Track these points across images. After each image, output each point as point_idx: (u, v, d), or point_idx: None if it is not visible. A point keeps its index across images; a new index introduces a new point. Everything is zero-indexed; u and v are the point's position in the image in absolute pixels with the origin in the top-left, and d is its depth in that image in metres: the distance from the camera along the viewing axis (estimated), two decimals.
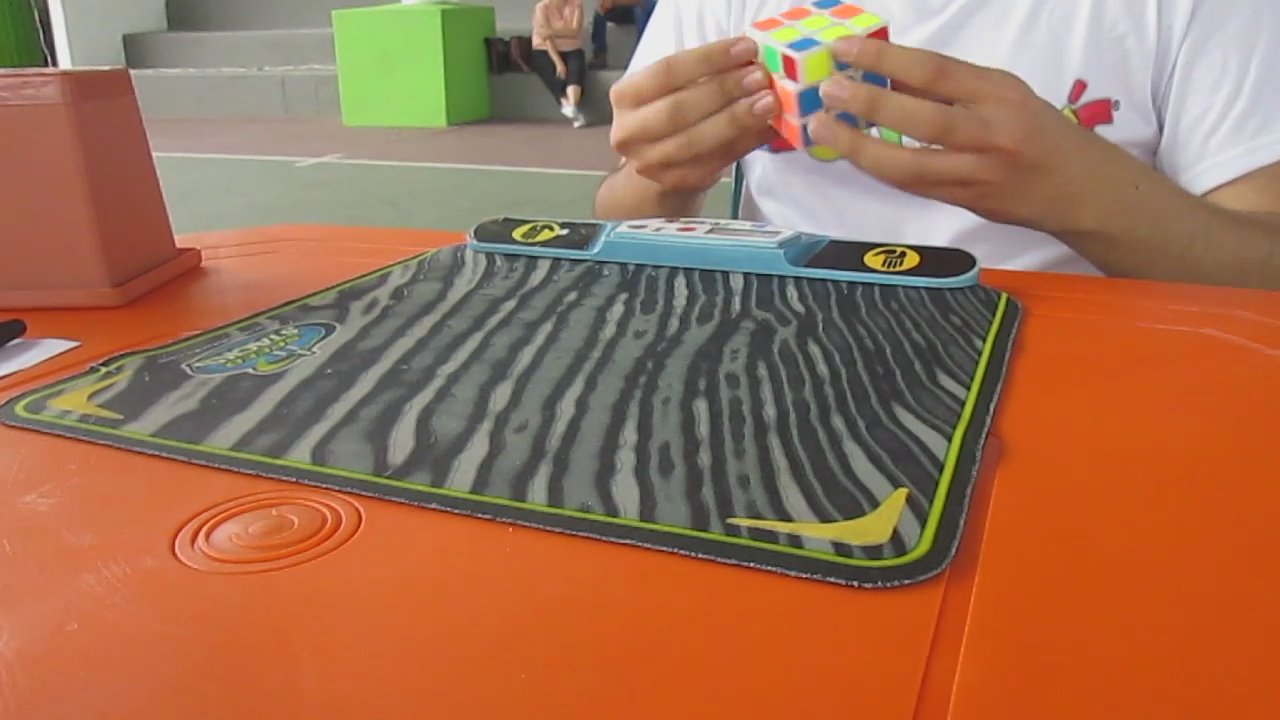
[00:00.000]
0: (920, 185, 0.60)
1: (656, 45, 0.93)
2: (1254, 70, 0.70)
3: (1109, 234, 0.62)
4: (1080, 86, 0.74)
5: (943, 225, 0.80)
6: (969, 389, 0.42)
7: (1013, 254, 0.79)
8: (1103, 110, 0.74)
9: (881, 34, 0.59)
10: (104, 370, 0.45)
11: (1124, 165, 0.62)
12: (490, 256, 0.66)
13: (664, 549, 0.30)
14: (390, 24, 8.38)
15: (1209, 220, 0.64)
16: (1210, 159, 0.71)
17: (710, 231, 0.63)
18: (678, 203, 0.78)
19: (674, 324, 0.51)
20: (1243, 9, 0.71)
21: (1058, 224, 0.62)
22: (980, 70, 0.57)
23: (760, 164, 0.89)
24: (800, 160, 0.84)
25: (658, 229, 0.63)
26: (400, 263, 0.64)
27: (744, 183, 0.95)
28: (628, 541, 0.30)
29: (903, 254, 0.59)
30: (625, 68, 0.95)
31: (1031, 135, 0.57)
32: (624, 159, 0.89)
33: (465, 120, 8.40)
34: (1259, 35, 0.70)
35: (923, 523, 0.31)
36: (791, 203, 0.88)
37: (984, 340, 0.48)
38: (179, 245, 0.66)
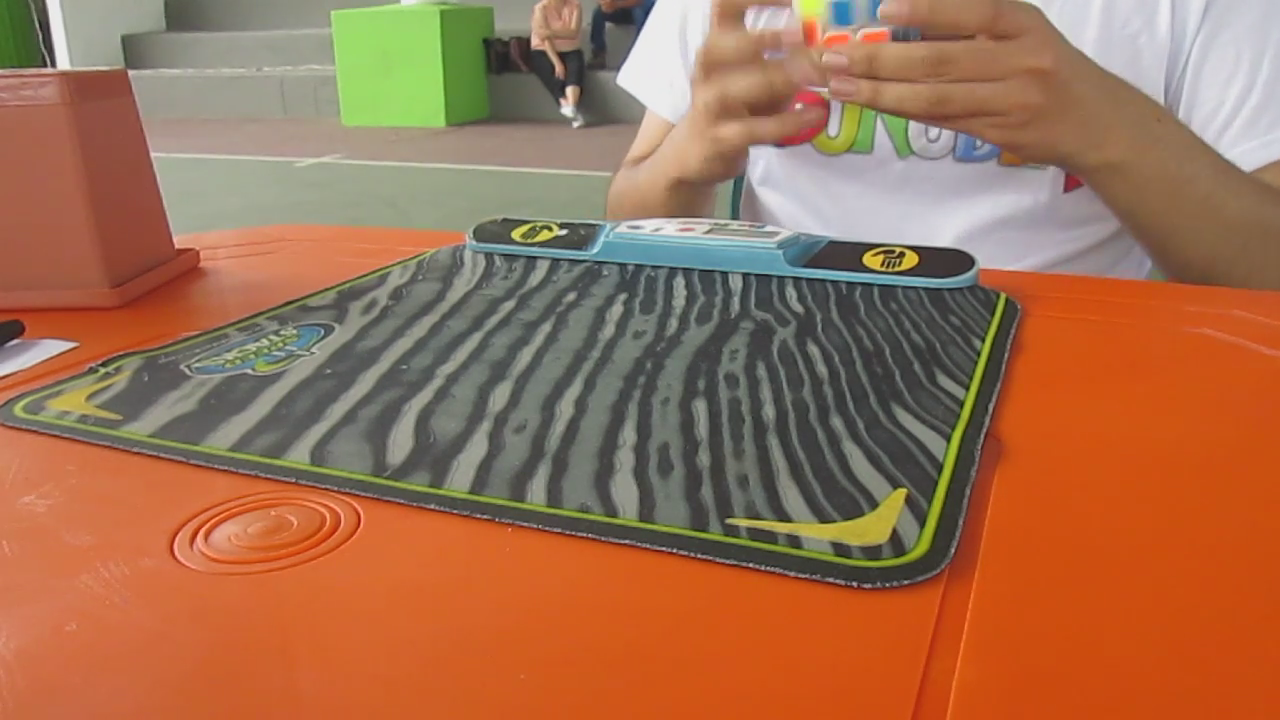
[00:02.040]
0: (945, 115, 0.59)
1: (658, 41, 0.93)
2: (1266, 65, 0.70)
3: (1138, 167, 0.61)
4: None
5: (947, 224, 0.80)
6: (968, 389, 0.42)
7: (1016, 256, 0.79)
8: None
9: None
10: (103, 371, 0.45)
11: (1143, 99, 0.63)
12: (489, 257, 0.66)
13: (663, 549, 0.30)
14: (389, 24, 8.38)
15: (1228, 169, 0.65)
16: (1224, 154, 0.71)
17: (709, 232, 0.63)
18: (685, 197, 0.77)
19: (673, 324, 0.51)
20: (1255, 5, 0.71)
21: (1094, 153, 0.61)
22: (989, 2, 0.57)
23: (765, 157, 0.89)
24: (805, 155, 0.84)
25: (656, 229, 0.63)
26: (399, 263, 0.64)
27: (744, 176, 0.95)
28: (627, 542, 0.30)
29: (901, 254, 0.59)
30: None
31: (1061, 57, 0.57)
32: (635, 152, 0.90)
33: (464, 121, 8.39)
34: (1271, 31, 0.71)
35: (921, 523, 0.31)
36: (795, 197, 0.88)
37: (983, 340, 0.48)
38: (178, 246, 0.66)
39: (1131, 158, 0.61)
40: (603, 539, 0.31)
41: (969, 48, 0.56)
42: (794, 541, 0.30)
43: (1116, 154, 0.61)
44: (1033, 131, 0.59)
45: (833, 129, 0.82)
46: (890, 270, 0.58)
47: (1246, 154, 0.70)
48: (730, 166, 0.71)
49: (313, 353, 0.47)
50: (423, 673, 0.25)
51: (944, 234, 0.79)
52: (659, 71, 0.92)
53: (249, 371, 0.45)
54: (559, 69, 8.05)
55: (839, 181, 0.84)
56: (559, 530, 0.31)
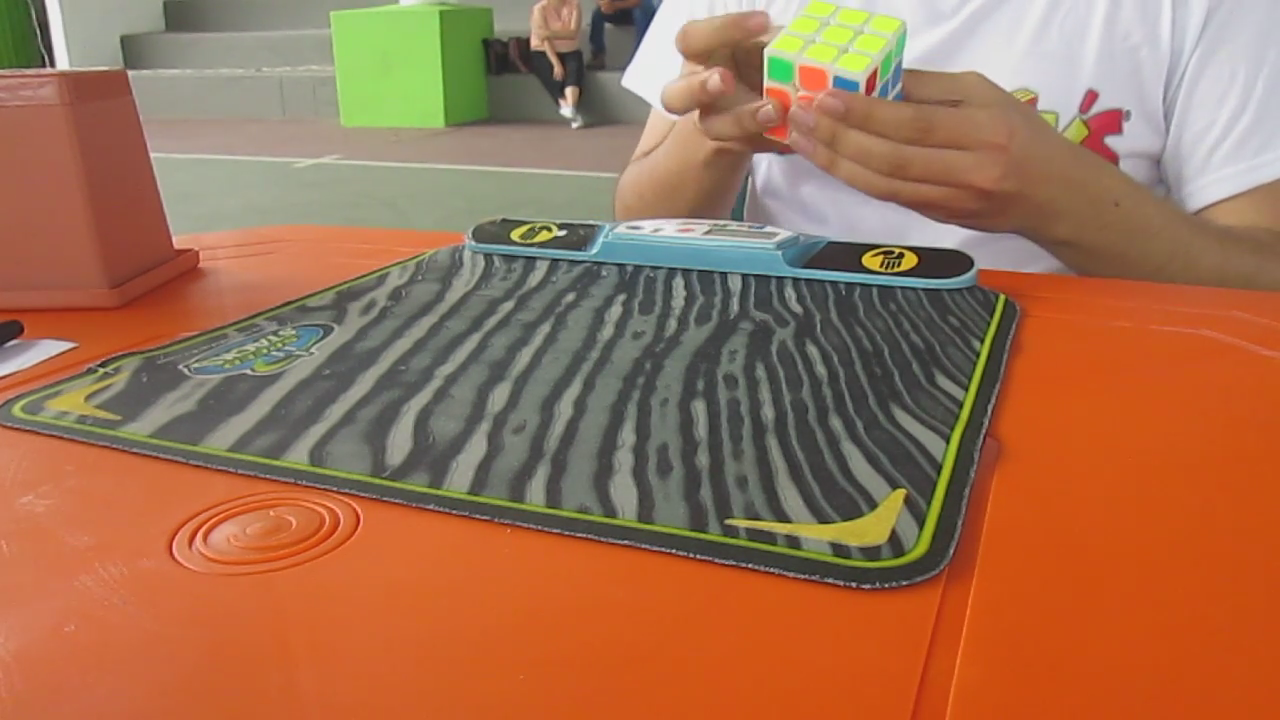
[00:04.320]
0: (895, 200, 0.60)
1: (665, 42, 0.93)
2: (1260, 86, 0.70)
3: (1084, 245, 0.63)
4: (1092, 97, 0.74)
5: (949, 233, 0.80)
6: (967, 390, 0.42)
7: (1020, 262, 0.79)
8: (1113, 121, 0.74)
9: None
10: (102, 371, 0.45)
11: (1108, 183, 0.63)
12: (488, 257, 0.66)
13: (662, 550, 0.30)
14: (388, 25, 8.37)
15: (1191, 239, 0.64)
16: (1212, 174, 0.71)
17: (708, 233, 0.63)
18: (726, 170, 0.77)
19: (672, 325, 0.51)
20: (1254, 24, 0.71)
21: (1034, 233, 0.63)
22: (964, 116, 0.57)
23: (766, 165, 0.89)
24: (807, 164, 0.84)
25: (655, 230, 0.63)
26: (398, 264, 0.64)
27: (749, 182, 0.95)
28: (626, 542, 0.30)
29: (901, 255, 0.59)
30: (623, 69, 0.95)
31: (1009, 174, 0.57)
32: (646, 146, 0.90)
33: (463, 121, 8.39)
34: (1267, 51, 0.70)
35: (921, 524, 0.31)
36: (797, 205, 0.88)
37: (982, 341, 0.48)
38: (177, 246, 0.66)
39: (1079, 239, 0.62)
40: (602, 539, 0.31)
41: (924, 155, 0.57)
42: (793, 542, 0.30)
43: (1063, 235, 0.62)
44: (971, 223, 0.62)
45: None
46: (889, 271, 0.58)
47: (1231, 178, 0.71)
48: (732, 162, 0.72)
49: (312, 353, 0.47)
50: (422, 673, 0.25)
51: (947, 243, 0.79)
52: (665, 72, 0.92)
53: (248, 372, 0.45)
54: (558, 70, 8.05)
55: (841, 190, 0.84)
56: (558, 531, 0.31)
